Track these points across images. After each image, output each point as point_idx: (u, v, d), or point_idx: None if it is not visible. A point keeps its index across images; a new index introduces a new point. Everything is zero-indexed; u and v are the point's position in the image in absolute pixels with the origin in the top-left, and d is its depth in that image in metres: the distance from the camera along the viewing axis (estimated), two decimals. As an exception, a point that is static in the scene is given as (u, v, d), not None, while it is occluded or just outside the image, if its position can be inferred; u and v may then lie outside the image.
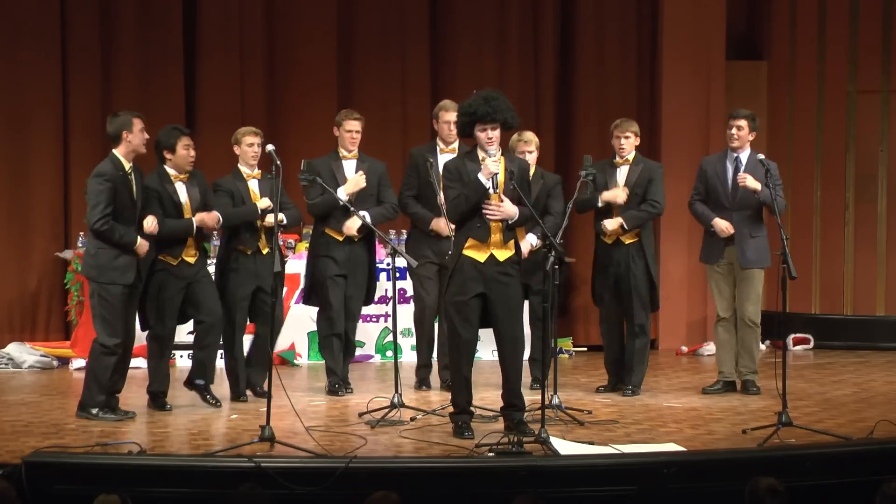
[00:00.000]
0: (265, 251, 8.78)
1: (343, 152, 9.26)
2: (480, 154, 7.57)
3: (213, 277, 8.83)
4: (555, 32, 12.08)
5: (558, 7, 12.10)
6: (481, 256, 7.52)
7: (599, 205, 9.13)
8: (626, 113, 10.91)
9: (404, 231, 10.90)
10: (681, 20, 11.92)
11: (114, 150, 8.13)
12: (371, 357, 11.04)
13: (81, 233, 10.79)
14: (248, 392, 8.94)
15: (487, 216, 7.48)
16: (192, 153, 8.55)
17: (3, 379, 10.05)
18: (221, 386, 8.95)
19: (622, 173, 9.20)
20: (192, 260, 8.53)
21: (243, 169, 8.93)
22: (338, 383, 9.21)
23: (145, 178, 8.32)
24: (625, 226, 9.05)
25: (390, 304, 9.15)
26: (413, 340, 9.75)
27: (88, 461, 6.67)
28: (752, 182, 9.01)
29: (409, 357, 10.41)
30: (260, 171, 8.94)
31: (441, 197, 8.44)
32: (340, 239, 9.14)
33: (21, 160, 11.22)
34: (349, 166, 9.25)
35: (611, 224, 9.07)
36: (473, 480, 6.59)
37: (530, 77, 12.01)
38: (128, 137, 8.09)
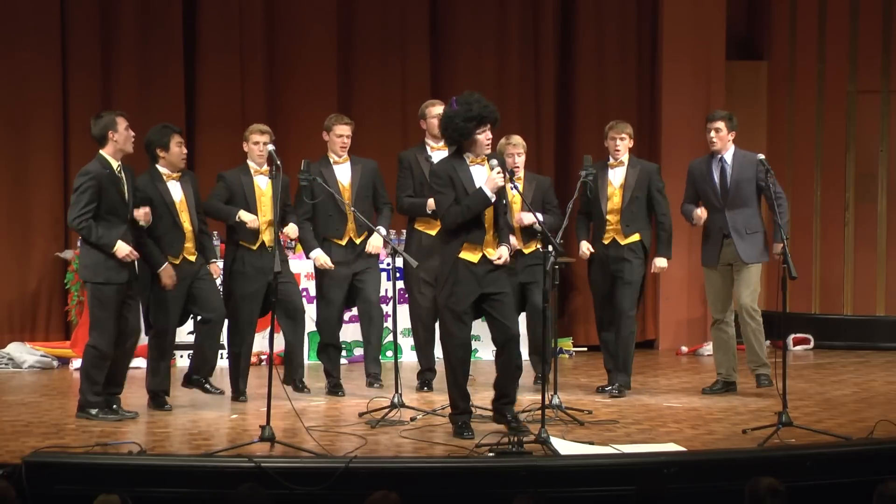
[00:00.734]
0: (270, 248, 8.79)
1: (333, 157, 9.28)
2: (468, 157, 7.56)
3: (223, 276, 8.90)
4: (555, 33, 12.08)
5: (558, 7, 12.10)
6: (474, 257, 7.51)
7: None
8: (626, 113, 10.92)
9: (404, 231, 10.90)
10: (681, 20, 11.92)
11: (101, 151, 8.12)
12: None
13: (81, 233, 10.82)
14: (288, 387, 8.87)
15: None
16: (185, 150, 8.59)
17: (3, 379, 10.05)
18: (223, 385, 8.96)
19: (617, 175, 9.23)
20: (192, 258, 8.55)
21: (252, 165, 8.95)
22: (336, 384, 9.26)
23: (136, 179, 8.31)
24: (666, 257, 9.27)
25: (390, 304, 9.15)
26: (412, 340, 9.74)
27: (88, 461, 6.67)
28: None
29: (409, 357, 10.41)
30: (268, 168, 8.92)
31: (431, 202, 8.43)
32: (343, 243, 9.20)
33: (21, 160, 11.21)
34: (342, 170, 9.26)
35: (660, 263, 9.25)
36: (473, 480, 6.60)
37: (530, 77, 12.01)
38: (113, 137, 8.08)
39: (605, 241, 9.20)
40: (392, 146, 11.20)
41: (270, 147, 8.12)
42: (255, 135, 8.92)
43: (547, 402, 7.64)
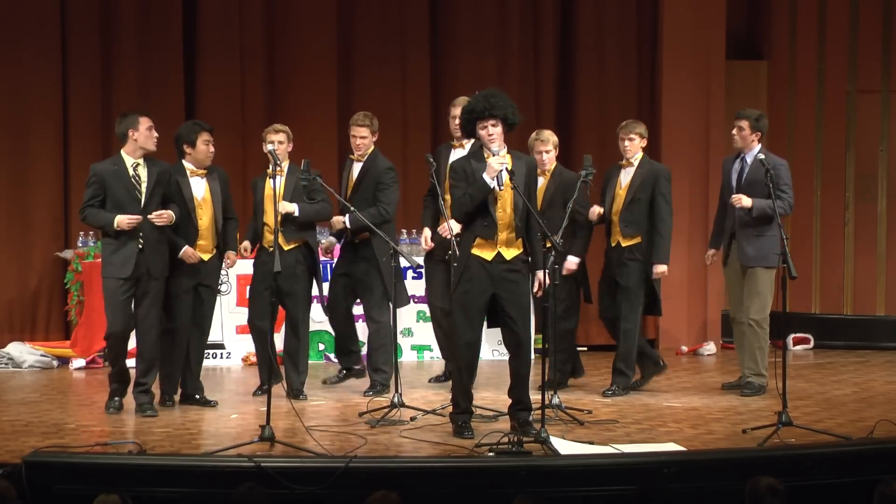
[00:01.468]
0: (287, 248, 8.77)
1: (352, 156, 9.31)
2: (486, 153, 7.58)
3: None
4: (555, 33, 12.08)
5: (558, 8, 12.09)
6: (488, 255, 7.51)
7: (593, 220, 9.15)
8: (626, 113, 10.90)
9: (404, 231, 10.91)
10: (681, 20, 11.91)
11: (122, 150, 8.29)
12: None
13: (81, 233, 10.81)
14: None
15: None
16: (212, 149, 8.66)
17: (3, 379, 10.05)
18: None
19: (626, 176, 9.19)
20: (206, 256, 8.57)
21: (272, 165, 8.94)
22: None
23: (160, 174, 8.35)
24: (662, 263, 9.02)
25: (390, 304, 9.13)
26: (412, 340, 9.75)
27: (88, 461, 6.67)
28: (745, 201, 8.99)
29: (409, 357, 10.40)
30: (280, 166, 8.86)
31: (442, 201, 8.43)
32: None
33: (21, 160, 11.22)
34: (356, 168, 9.27)
35: (656, 269, 9.02)
36: (473, 480, 6.59)
37: (530, 78, 12.00)
38: (133, 136, 8.24)
39: (612, 244, 9.16)
40: (392, 146, 11.20)
41: (270, 147, 8.18)
42: (270, 134, 8.95)
43: (547, 402, 7.64)
